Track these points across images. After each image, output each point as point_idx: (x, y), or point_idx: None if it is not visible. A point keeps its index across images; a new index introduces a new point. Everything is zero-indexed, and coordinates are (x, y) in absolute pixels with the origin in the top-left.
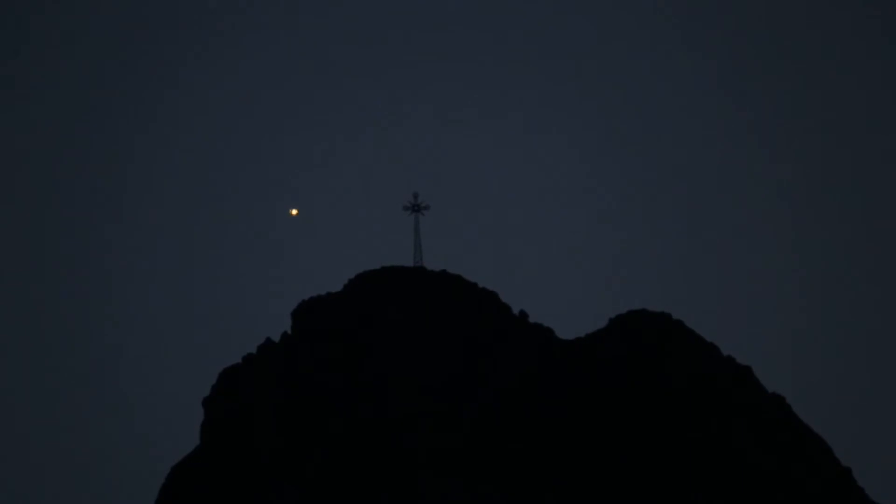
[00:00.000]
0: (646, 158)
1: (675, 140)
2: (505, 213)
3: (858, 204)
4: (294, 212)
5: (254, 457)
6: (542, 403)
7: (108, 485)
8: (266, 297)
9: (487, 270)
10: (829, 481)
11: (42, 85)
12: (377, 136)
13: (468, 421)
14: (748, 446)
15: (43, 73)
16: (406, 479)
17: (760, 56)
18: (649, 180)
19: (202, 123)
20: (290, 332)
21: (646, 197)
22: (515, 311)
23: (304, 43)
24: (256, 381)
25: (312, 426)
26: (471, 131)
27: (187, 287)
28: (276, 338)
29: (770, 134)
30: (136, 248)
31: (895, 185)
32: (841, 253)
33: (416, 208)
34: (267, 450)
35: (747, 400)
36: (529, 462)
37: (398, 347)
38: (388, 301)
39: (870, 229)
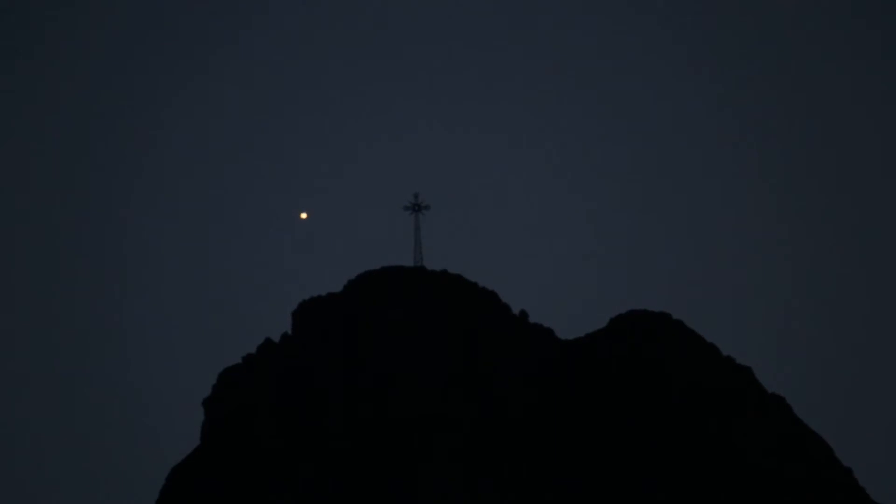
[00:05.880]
0: (646, 158)
1: (676, 140)
2: (505, 213)
3: (859, 204)
4: (304, 215)
5: (254, 457)
6: (541, 403)
7: (109, 485)
8: (266, 297)
9: (487, 270)
10: (829, 481)
11: (55, 83)
12: (377, 137)
13: (468, 421)
14: (748, 446)
15: (56, 72)
16: (406, 479)
17: (760, 56)
18: (650, 180)
19: (202, 125)
20: (290, 332)
21: (646, 197)
22: (515, 311)
23: (306, 45)
24: (256, 381)
25: (312, 426)
26: (471, 131)
27: (187, 287)
28: (276, 338)
29: (771, 134)
30: (137, 249)
31: (894, 184)
32: (842, 253)
33: (416, 208)
34: (267, 450)
35: (747, 400)
36: (529, 462)
37: (398, 347)
38: (388, 301)
39: (871, 229)
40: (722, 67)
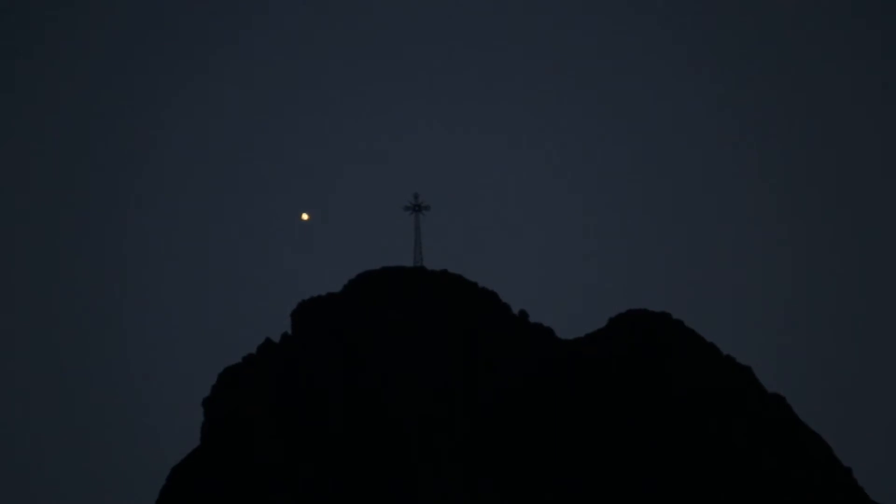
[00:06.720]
0: (646, 158)
1: (676, 140)
2: (505, 213)
3: (859, 204)
4: (305, 216)
5: (253, 457)
6: (541, 403)
7: (109, 485)
8: (266, 297)
9: (487, 270)
10: (829, 481)
11: (55, 83)
12: (377, 137)
13: (468, 421)
14: (748, 446)
15: (56, 72)
16: (405, 479)
17: (760, 56)
18: (650, 180)
19: (202, 125)
20: (290, 332)
21: (646, 197)
22: (515, 311)
23: (306, 45)
24: (256, 381)
25: (312, 426)
26: (471, 131)
27: (187, 287)
28: (276, 338)
29: (771, 134)
30: (137, 249)
31: (893, 184)
32: (842, 254)
33: (416, 208)
34: (267, 450)
35: (747, 400)
36: (529, 461)
37: (398, 347)
38: (388, 301)
39: (871, 229)
40: (722, 67)
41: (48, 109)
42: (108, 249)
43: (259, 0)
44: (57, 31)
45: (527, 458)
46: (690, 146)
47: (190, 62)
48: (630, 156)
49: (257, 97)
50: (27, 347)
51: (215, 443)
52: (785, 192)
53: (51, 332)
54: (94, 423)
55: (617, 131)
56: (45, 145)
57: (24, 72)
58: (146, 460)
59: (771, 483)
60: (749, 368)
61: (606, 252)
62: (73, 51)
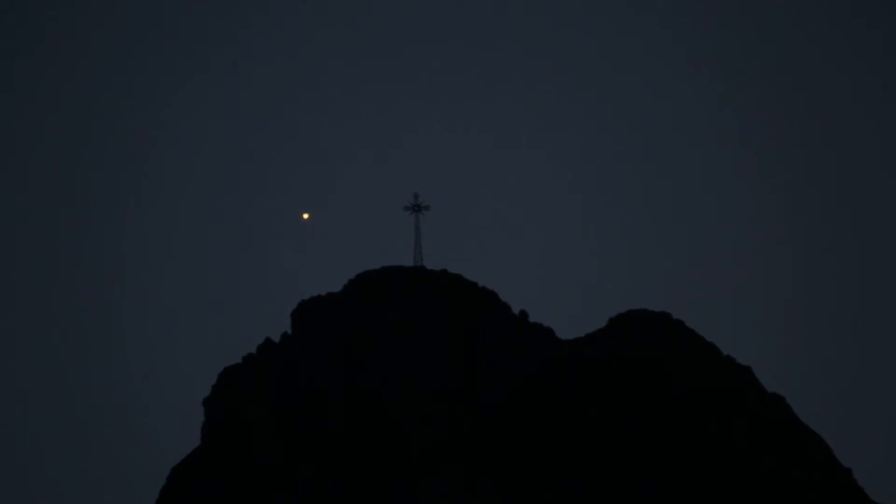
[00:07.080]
0: (646, 158)
1: (676, 140)
2: (505, 213)
3: (859, 204)
4: (306, 216)
5: (253, 457)
6: (541, 403)
7: (109, 485)
8: (266, 297)
9: (487, 270)
10: (829, 481)
11: (55, 83)
12: (377, 137)
13: (468, 421)
14: (748, 446)
15: (56, 72)
16: (405, 479)
17: (760, 56)
18: (650, 180)
19: (202, 125)
20: (290, 332)
21: (646, 197)
22: (515, 311)
23: (306, 45)
24: (256, 381)
25: (312, 426)
26: (471, 131)
27: (187, 287)
28: (276, 338)
29: (771, 134)
30: (137, 249)
31: (893, 184)
32: (841, 254)
33: (416, 208)
34: (267, 450)
35: (747, 400)
36: (529, 462)
37: (398, 347)
38: (388, 301)
39: (871, 229)
40: (722, 67)
41: (48, 109)
42: (108, 249)
43: (259, 0)
44: (57, 31)
45: (527, 457)
46: (690, 146)
47: (190, 62)
48: (630, 156)
49: (257, 97)
50: (27, 347)
51: (215, 443)
52: (785, 192)
53: (51, 332)
54: (94, 423)
55: (617, 131)
56: (45, 145)
57: (24, 72)
58: (146, 460)
59: (771, 483)
60: (749, 368)
61: (606, 252)
62: (73, 51)
